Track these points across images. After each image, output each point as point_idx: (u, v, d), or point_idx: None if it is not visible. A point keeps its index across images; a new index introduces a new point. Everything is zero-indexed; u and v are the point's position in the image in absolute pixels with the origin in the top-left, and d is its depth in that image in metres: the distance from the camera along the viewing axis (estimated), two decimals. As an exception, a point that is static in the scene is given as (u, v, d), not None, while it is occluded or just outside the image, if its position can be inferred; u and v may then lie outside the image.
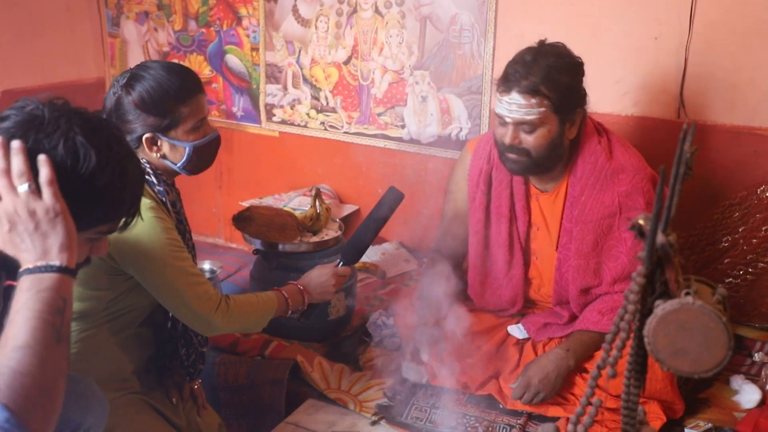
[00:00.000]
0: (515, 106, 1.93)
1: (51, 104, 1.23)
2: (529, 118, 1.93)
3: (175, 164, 1.84)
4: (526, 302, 2.29)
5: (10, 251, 1.13)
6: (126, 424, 1.83)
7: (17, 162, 1.13)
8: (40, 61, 3.43)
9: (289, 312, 1.96)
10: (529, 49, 1.99)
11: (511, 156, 2.01)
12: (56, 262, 1.11)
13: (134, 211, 1.32)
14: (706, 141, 2.44)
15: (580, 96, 2.01)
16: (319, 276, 2.03)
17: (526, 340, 2.23)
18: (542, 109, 1.92)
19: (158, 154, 1.80)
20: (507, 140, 1.98)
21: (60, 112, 1.21)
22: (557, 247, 2.15)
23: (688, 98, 2.46)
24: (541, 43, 2.01)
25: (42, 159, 1.14)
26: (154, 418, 1.90)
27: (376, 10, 2.97)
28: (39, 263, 1.10)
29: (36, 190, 1.13)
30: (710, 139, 2.45)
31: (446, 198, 2.38)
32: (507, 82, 1.95)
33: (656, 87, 2.52)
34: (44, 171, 1.13)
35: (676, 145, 0.94)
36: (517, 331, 2.25)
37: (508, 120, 1.96)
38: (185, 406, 2.01)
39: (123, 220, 1.32)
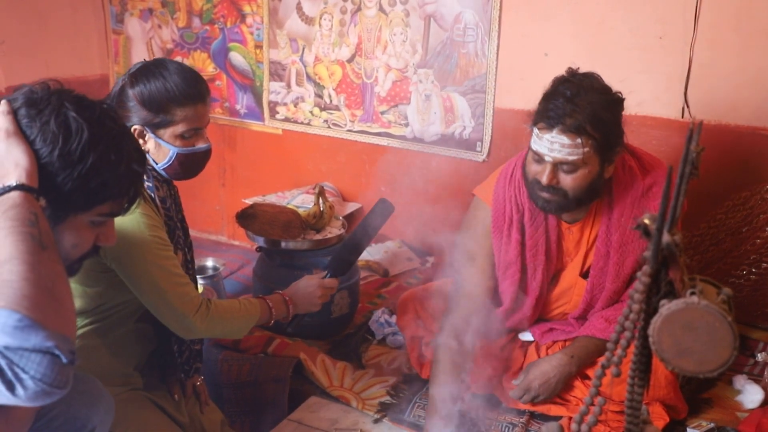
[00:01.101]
0: (558, 145, 1.81)
1: (44, 85, 1.25)
2: (571, 158, 1.81)
3: (157, 164, 1.82)
4: (537, 320, 2.26)
5: None
6: (128, 421, 1.83)
7: None
8: (44, 57, 3.44)
9: (272, 321, 1.95)
10: (566, 82, 1.86)
11: (545, 195, 1.89)
12: (13, 182, 1.12)
13: (135, 190, 1.31)
14: (710, 141, 2.44)
15: (621, 134, 1.89)
16: (306, 287, 2.02)
17: (530, 342, 2.23)
18: (586, 149, 1.80)
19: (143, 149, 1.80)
20: (544, 180, 1.85)
21: (52, 92, 1.23)
22: (583, 271, 2.07)
23: (693, 98, 2.46)
24: (573, 73, 1.90)
25: None
26: (156, 414, 1.91)
27: (380, 9, 2.96)
28: None
29: None
30: (714, 139, 2.45)
31: (459, 258, 2.15)
32: (548, 118, 1.82)
33: (660, 86, 2.52)
34: None
35: (680, 145, 0.94)
36: (527, 336, 2.25)
37: (547, 159, 1.84)
38: (188, 403, 2.01)
39: (125, 201, 1.30)
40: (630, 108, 2.54)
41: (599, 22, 2.56)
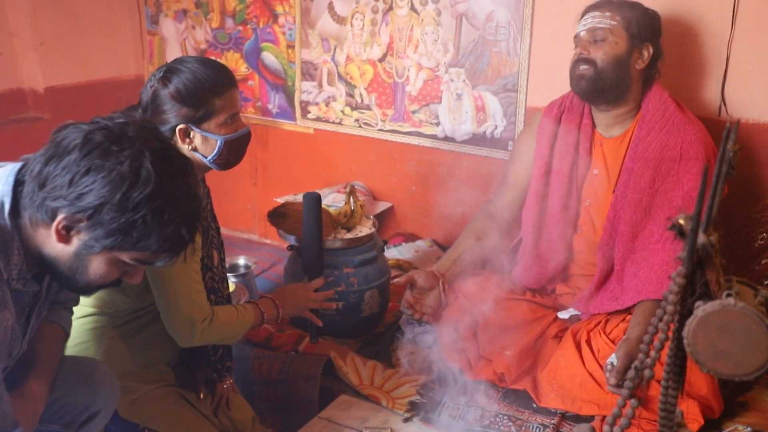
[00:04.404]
0: (590, 18, 2.18)
1: (138, 125, 1.28)
2: (600, 25, 2.15)
3: (206, 157, 1.86)
4: (566, 275, 2.38)
5: None
6: (162, 416, 1.86)
7: None
8: (81, 58, 3.50)
9: (263, 325, 2.00)
10: None
11: (579, 70, 2.18)
12: None
13: (174, 251, 1.32)
14: (747, 139, 2.39)
15: (652, 33, 2.20)
16: (293, 291, 2.10)
17: (563, 330, 2.22)
18: (614, 22, 2.15)
19: (190, 147, 1.83)
20: (579, 51, 2.19)
21: (141, 135, 1.25)
22: (615, 189, 2.22)
23: (730, 96, 2.41)
24: None
25: None
26: (189, 410, 1.93)
27: (412, 8, 2.96)
28: None
29: None
30: (751, 138, 2.40)
31: (510, 159, 2.54)
32: (588, 7, 2.23)
33: (697, 84, 2.47)
34: None
35: (717, 144, 0.93)
36: (565, 313, 2.27)
37: (582, 34, 2.19)
38: (213, 402, 2.03)
39: (162, 257, 1.31)
40: (665, 106, 2.51)
41: (634, 19, 2.52)
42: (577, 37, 2.23)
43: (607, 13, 2.16)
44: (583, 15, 2.24)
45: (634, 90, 2.21)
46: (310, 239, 2.19)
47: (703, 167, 2.04)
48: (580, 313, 2.26)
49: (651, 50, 2.19)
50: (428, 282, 2.32)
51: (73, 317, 1.91)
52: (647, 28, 2.18)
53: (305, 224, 2.19)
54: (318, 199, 2.20)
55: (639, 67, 2.19)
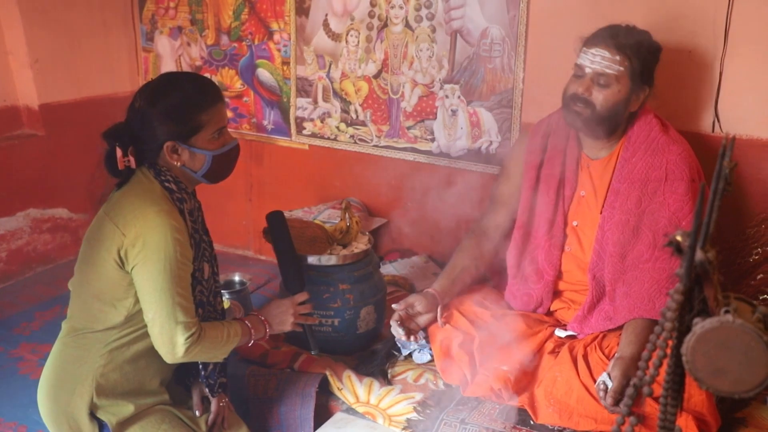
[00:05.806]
0: (599, 57, 2.09)
1: None
2: (609, 71, 2.08)
3: (195, 172, 1.86)
4: (555, 295, 2.35)
5: None
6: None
7: None
8: (76, 75, 3.50)
9: (251, 342, 1.98)
10: (622, 24, 2.18)
11: (576, 108, 2.13)
12: None
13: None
14: (740, 155, 2.40)
15: (651, 76, 2.16)
16: (277, 307, 2.08)
17: (560, 346, 2.22)
18: (622, 68, 2.08)
19: (179, 162, 1.83)
20: (580, 90, 2.11)
21: None
22: (602, 210, 2.23)
23: (723, 112, 2.43)
24: None
25: None
26: (184, 429, 1.92)
27: (407, 24, 2.98)
28: None
29: None
30: (745, 153, 2.41)
31: (498, 179, 2.52)
32: (597, 36, 2.12)
33: (691, 100, 2.49)
34: None
35: (711, 159, 0.93)
36: (562, 332, 2.27)
37: (588, 71, 2.11)
38: (209, 421, 2.01)
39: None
40: (659, 122, 2.52)
41: (627, 36, 2.53)
42: (580, 68, 2.15)
43: (618, 57, 2.08)
44: (589, 44, 2.14)
45: (623, 122, 2.21)
46: (284, 256, 2.20)
47: (687, 187, 2.09)
48: (576, 333, 2.25)
49: (648, 92, 2.17)
50: (427, 307, 2.29)
51: (62, 335, 1.90)
52: (649, 71, 2.15)
53: (275, 244, 2.20)
54: (280, 216, 2.21)
55: (633, 109, 2.18)
